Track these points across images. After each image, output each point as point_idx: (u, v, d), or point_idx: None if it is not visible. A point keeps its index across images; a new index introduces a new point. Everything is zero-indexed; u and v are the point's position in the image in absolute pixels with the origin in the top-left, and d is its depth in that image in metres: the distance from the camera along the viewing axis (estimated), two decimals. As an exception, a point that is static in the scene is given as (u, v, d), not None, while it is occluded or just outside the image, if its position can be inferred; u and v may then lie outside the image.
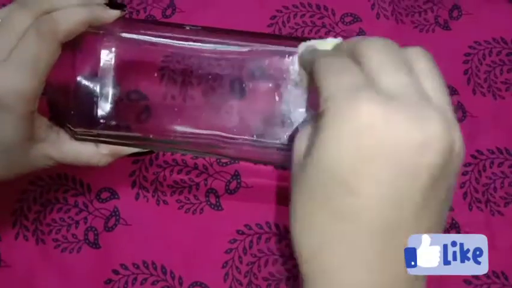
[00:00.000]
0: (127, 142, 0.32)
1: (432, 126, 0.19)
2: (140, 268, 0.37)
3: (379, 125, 0.19)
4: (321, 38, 0.28)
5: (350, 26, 0.44)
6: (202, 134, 0.31)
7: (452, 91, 0.43)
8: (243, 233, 0.39)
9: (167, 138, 0.31)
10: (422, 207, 0.20)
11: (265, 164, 0.33)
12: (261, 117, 0.30)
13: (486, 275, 0.38)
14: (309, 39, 0.31)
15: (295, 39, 0.31)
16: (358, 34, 0.44)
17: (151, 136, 0.31)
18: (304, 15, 0.45)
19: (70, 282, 0.37)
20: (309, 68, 0.25)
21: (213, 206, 0.39)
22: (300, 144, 0.23)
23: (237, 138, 0.30)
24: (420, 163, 0.19)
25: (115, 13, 0.29)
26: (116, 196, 0.39)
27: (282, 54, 0.30)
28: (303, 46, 0.28)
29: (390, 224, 0.20)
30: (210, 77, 0.30)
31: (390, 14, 0.45)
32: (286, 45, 0.30)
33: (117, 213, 0.39)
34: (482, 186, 0.41)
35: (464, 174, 0.41)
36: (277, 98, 0.30)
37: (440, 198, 0.21)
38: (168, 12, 0.44)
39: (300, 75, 0.28)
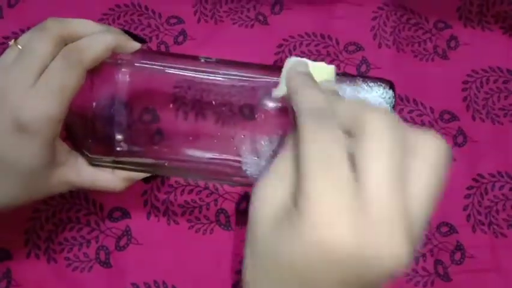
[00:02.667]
0: (143, 169, 0.33)
1: (394, 256, 0.19)
2: None
3: (346, 242, 0.19)
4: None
5: (353, 54, 0.46)
6: (215, 159, 0.32)
7: (453, 117, 0.45)
8: (252, 253, 0.39)
9: (181, 164, 0.32)
10: None
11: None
12: (267, 144, 0.31)
13: (492, 297, 0.39)
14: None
15: None
16: (361, 62, 0.46)
17: (166, 164, 0.32)
18: (309, 44, 0.47)
19: (81, 300, 0.37)
20: (290, 95, 0.25)
21: (223, 226, 0.40)
22: (265, 209, 0.22)
23: (243, 162, 0.32)
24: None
25: (138, 45, 0.31)
26: (128, 215, 0.40)
27: None
28: (292, 62, 0.28)
29: None
30: (222, 105, 0.31)
31: (391, 44, 0.47)
32: None
33: (129, 232, 0.39)
34: (484, 208, 0.42)
35: (466, 197, 0.42)
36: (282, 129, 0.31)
37: None
38: (180, 39, 0.46)
39: (280, 92, 0.28)
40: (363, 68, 0.46)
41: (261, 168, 0.31)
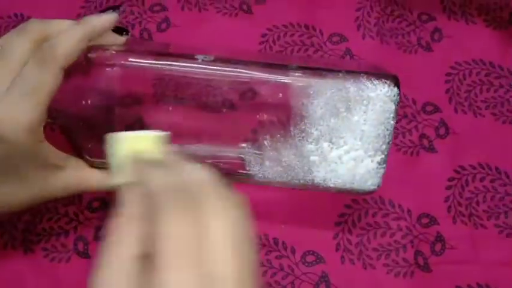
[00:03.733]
0: None
1: None
2: (130, 278, 0.37)
3: None
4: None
5: (337, 45, 0.46)
6: (218, 157, 0.32)
7: (435, 109, 0.45)
8: (233, 244, 0.39)
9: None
10: None
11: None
12: (269, 143, 0.32)
13: (471, 288, 0.39)
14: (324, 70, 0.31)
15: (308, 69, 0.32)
16: (344, 53, 0.46)
17: None
18: (293, 34, 0.46)
19: (59, 291, 0.36)
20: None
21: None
22: None
23: (246, 161, 0.32)
24: None
25: (111, 17, 0.29)
26: (107, 206, 0.39)
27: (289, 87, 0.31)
28: (113, 139, 0.27)
29: None
30: (222, 103, 0.31)
31: (375, 35, 0.47)
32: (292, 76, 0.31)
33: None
34: (465, 200, 0.42)
35: (448, 188, 0.42)
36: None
37: None
38: (163, 26, 0.45)
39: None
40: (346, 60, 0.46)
41: (264, 168, 0.31)
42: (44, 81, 0.26)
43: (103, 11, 0.31)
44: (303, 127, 0.31)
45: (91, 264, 0.37)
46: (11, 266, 0.37)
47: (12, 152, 0.27)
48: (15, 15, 0.45)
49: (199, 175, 0.23)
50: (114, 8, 0.30)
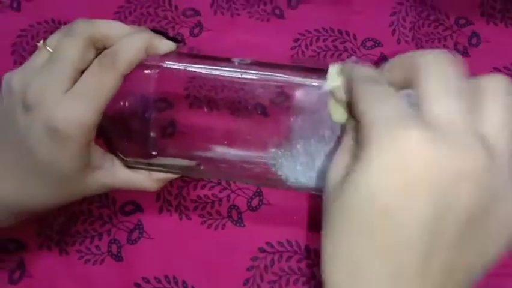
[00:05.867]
0: (178, 171, 0.33)
1: (474, 161, 0.19)
2: (162, 282, 0.37)
3: (422, 156, 0.19)
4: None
5: (371, 50, 0.45)
6: (249, 161, 0.32)
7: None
8: (264, 251, 0.38)
9: (217, 166, 0.32)
10: (460, 239, 0.20)
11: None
12: (302, 148, 0.31)
13: None
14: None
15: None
16: (379, 59, 0.45)
17: (201, 166, 0.32)
18: (326, 39, 0.46)
19: (92, 293, 0.37)
20: (348, 95, 0.25)
21: (234, 222, 0.39)
22: (336, 173, 0.23)
23: (278, 166, 0.31)
24: (459, 197, 0.19)
25: (172, 44, 0.30)
26: (140, 209, 0.39)
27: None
28: (335, 68, 0.28)
29: (429, 253, 0.20)
30: (256, 106, 0.31)
31: (410, 40, 0.46)
32: None
33: (140, 226, 0.39)
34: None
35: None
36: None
37: (476, 234, 0.20)
38: (196, 31, 0.45)
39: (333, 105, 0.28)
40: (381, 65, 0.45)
41: (297, 173, 0.31)
42: (105, 86, 0.28)
43: (162, 33, 0.31)
44: (338, 132, 0.30)
45: (124, 267, 0.38)
46: (46, 267, 0.38)
47: (65, 152, 0.27)
48: (53, 20, 0.46)
49: None
50: (176, 41, 0.31)
